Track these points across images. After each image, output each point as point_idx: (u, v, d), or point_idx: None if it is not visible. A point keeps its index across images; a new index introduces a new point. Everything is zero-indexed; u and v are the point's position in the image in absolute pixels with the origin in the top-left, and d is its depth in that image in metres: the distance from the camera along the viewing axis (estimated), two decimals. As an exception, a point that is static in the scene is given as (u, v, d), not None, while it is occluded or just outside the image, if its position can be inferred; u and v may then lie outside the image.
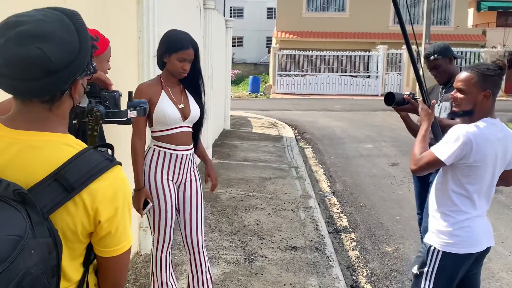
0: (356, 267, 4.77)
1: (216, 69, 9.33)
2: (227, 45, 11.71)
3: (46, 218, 1.17)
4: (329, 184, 7.85)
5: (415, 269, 2.66)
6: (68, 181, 1.19)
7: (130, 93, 1.65)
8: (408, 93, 3.25)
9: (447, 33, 27.23)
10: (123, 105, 1.81)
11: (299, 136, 12.42)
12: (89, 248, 1.31)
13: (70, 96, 1.27)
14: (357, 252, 5.11)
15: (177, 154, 3.05)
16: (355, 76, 25.96)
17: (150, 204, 2.99)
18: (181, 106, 3.03)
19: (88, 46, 1.25)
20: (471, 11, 30.28)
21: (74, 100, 1.29)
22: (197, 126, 3.17)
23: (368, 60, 26.37)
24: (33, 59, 1.13)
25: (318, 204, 6.56)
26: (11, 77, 1.16)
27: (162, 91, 3.01)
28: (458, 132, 2.43)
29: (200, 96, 3.15)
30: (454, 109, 2.56)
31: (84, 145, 1.28)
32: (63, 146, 1.24)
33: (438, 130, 2.88)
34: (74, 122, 1.49)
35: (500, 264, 4.70)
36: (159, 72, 3.84)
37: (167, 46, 2.95)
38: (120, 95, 1.56)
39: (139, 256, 4.32)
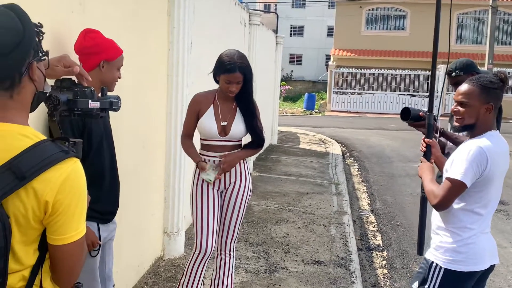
0: (382, 285, 4.66)
1: (262, 84, 9.45)
2: (277, 61, 11.81)
3: None
4: (369, 202, 7.72)
5: (415, 286, 2.59)
6: (20, 170, 1.28)
7: (102, 89, 1.74)
8: (426, 109, 3.18)
9: (513, 53, 26.17)
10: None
11: (347, 154, 12.29)
12: (45, 234, 1.39)
13: (29, 80, 1.36)
14: (385, 271, 4.99)
15: (214, 161, 3.24)
16: (414, 96, 25.39)
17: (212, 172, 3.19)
18: (223, 123, 3.22)
19: (32, 28, 1.34)
20: (540, 31, 28.94)
21: (34, 83, 1.38)
22: (253, 142, 3.33)
23: (428, 79, 25.72)
24: None
25: (354, 221, 6.48)
26: None
27: (212, 105, 3.24)
28: (471, 149, 2.35)
29: (253, 116, 3.28)
30: (455, 123, 2.49)
31: (43, 137, 1.37)
32: (20, 137, 1.33)
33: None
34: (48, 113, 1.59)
35: None
36: (191, 84, 3.91)
37: (217, 66, 3.19)
38: (92, 91, 1.65)
39: (162, 261, 4.43)
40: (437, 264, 2.50)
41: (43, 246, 1.38)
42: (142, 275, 4.10)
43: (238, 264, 4.47)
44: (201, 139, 3.33)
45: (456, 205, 2.45)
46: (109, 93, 2.00)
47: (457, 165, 2.37)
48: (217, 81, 3.24)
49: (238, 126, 3.24)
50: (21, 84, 1.34)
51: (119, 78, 2.54)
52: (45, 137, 1.37)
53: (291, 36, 40.07)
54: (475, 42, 26.81)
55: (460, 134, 2.91)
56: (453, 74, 3.50)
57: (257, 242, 5.14)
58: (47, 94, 1.62)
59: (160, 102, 4.24)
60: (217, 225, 3.28)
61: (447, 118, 3.88)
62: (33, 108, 1.43)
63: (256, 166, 9.03)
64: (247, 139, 3.36)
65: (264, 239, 5.24)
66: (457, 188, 2.36)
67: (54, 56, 1.88)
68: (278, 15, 25.67)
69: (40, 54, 1.38)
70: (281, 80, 18.94)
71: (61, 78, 1.78)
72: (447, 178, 2.39)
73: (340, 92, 25.80)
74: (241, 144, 3.36)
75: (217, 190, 3.30)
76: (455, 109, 2.45)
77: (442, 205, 2.42)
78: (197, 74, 4.78)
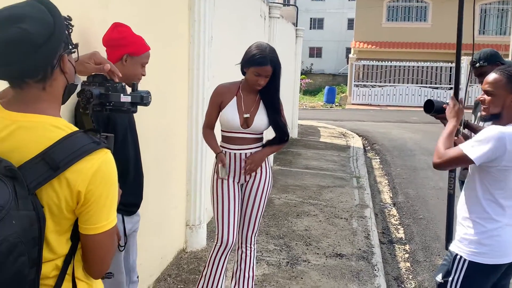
0: (404, 278, 4.64)
1: (282, 77, 9.42)
2: (297, 53, 11.78)
3: (31, 193, 1.29)
4: (391, 195, 7.66)
5: (439, 278, 2.57)
6: (54, 161, 1.30)
7: (133, 84, 1.77)
8: (449, 101, 3.15)
9: (539, 43, 25.60)
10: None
11: (369, 147, 12.21)
12: (77, 224, 1.42)
13: (61, 72, 1.38)
14: (408, 264, 4.96)
15: (235, 153, 3.24)
16: (436, 88, 25.06)
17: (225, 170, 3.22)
18: (246, 115, 3.20)
19: (62, 21, 1.36)
20: None
21: (65, 75, 1.40)
22: (277, 138, 3.31)
23: (451, 71, 25.35)
24: (17, 38, 1.26)
25: (376, 214, 6.44)
26: (2, 63, 1.30)
27: (235, 97, 3.21)
28: (492, 132, 2.31)
29: (276, 110, 3.25)
30: (481, 112, 2.46)
31: (75, 128, 1.39)
32: (53, 128, 1.35)
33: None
34: (81, 109, 1.63)
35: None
36: (212, 78, 3.85)
37: (247, 58, 3.13)
38: (123, 86, 1.69)
39: (184, 253, 4.47)
40: (461, 256, 2.48)
41: (75, 235, 1.41)
42: (165, 267, 4.14)
43: (259, 257, 4.49)
44: (222, 130, 3.32)
45: (480, 194, 2.43)
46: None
47: (474, 141, 2.34)
48: (244, 73, 3.21)
49: (260, 118, 3.21)
50: (53, 76, 1.36)
51: (143, 75, 2.53)
52: (77, 129, 1.39)
53: (311, 29, 39.85)
54: (499, 33, 26.31)
55: (485, 125, 2.87)
56: (477, 64, 3.44)
57: (278, 235, 5.15)
58: (81, 89, 1.65)
59: (181, 96, 4.26)
60: (238, 218, 3.29)
61: (471, 111, 3.83)
62: (64, 100, 1.46)
63: (276, 159, 9.04)
64: (268, 133, 3.36)
65: (286, 232, 5.25)
66: (463, 161, 2.38)
67: (85, 53, 1.92)
68: (297, 8, 25.52)
69: (70, 47, 1.40)
70: (301, 74, 18.89)
71: (93, 74, 1.82)
72: (460, 149, 2.36)
73: (360, 85, 25.60)
74: (262, 138, 3.34)
75: (238, 183, 3.31)
76: (481, 98, 2.43)
77: (440, 168, 2.46)
78: (218, 68, 4.80)
